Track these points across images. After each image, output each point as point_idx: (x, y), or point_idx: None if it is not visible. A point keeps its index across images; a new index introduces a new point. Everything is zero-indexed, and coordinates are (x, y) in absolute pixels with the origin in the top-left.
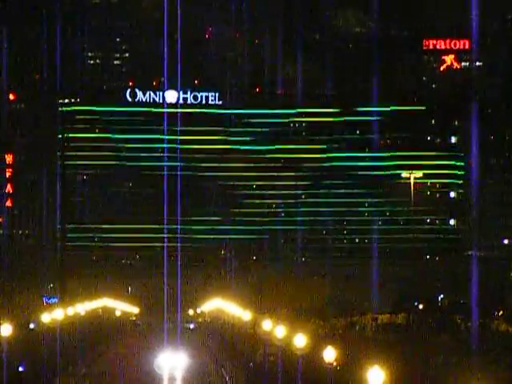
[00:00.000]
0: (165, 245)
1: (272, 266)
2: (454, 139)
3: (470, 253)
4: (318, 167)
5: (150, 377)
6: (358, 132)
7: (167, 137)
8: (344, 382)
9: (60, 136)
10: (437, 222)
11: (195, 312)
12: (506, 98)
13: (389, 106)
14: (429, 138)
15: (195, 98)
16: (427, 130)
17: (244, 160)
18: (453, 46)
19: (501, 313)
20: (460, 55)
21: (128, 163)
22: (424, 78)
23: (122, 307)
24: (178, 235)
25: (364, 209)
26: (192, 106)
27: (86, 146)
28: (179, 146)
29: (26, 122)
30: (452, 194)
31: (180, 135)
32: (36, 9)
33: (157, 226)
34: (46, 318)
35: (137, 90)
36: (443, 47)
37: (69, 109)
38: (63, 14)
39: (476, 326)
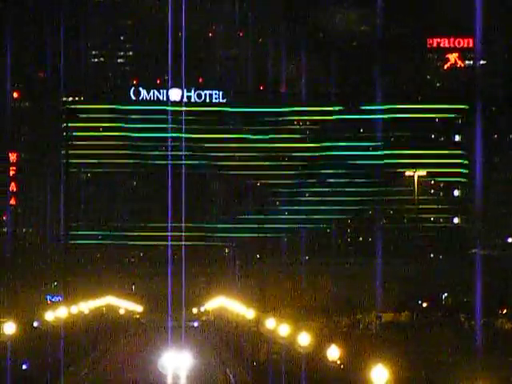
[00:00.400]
0: (169, 243)
1: (275, 265)
2: (457, 137)
3: (473, 251)
4: (321, 165)
5: (154, 375)
6: (361, 130)
7: (172, 135)
8: (348, 380)
9: (64, 134)
10: (441, 220)
11: (199, 310)
12: (510, 96)
13: (392, 105)
14: (433, 137)
15: (199, 96)
16: (431, 129)
17: (247, 158)
18: (457, 44)
19: (505, 311)
20: (464, 53)
21: (132, 161)
22: (428, 77)
23: (126, 305)
24: (183, 233)
25: (367, 207)
26: (196, 104)
27: (90, 144)
28: (184, 144)
29: (29, 120)
30: (456, 193)
31: (183, 133)
32: (39, 7)
33: (161, 225)
34: (50, 316)
35: (141, 89)
36: (447, 45)
37: (73, 107)
38: (67, 13)
39: (480, 325)
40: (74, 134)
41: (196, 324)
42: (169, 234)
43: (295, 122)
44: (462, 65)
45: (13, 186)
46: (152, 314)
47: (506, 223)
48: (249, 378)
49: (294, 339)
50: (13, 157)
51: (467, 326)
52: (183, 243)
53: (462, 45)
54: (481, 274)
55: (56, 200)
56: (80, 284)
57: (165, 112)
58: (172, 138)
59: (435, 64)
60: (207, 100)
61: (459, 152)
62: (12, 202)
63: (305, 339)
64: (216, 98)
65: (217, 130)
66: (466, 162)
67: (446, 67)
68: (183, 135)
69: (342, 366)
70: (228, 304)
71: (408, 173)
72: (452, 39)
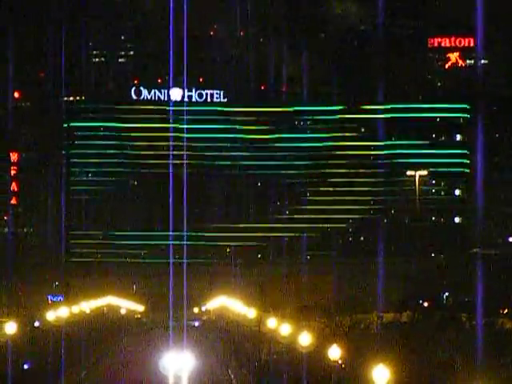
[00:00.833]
0: (170, 242)
1: (277, 264)
2: (459, 137)
3: (475, 251)
4: (322, 165)
5: (155, 376)
6: (362, 130)
7: (173, 134)
8: (349, 380)
9: (65, 134)
10: (442, 219)
11: (200, 310)
12: (511, 96)
13: (393, 104)
14: (434, 136)
15: (200, 95)
16: (432, 128)
17: (249, 158)
18: (458, 43)
19: (506, 311)
20: (465, 53)
21: (133, 161)
22: (429, 76)
23: (127, 305)
24: (185, 232)
25: (369, 207)
26: (197, 103)
27: (91, 144)
28: (185, 144)
29: (30, 120)
30: (457, 192)
31: (185, 133)
32: (41, 7)
33: (163, 227)
34: (51, 315)
35: (142, 88)
36: (448, 45)
37: (74, 107)
38: (68, 12)
39: (481, 324)
40: (75, 133)
41: (197, 323)
42: (170, 233)
43: (296, 122)
44: (463, 64)
45: (14, 186)
46: (153, 313)
47: (507, 222)
48: (250, 379)
49: (295, 339)
50: (14, 156)
51: (468, 326)
52: (184, 243)
53: (463, 44)
54: (482, 274)
55: (57, 200)
56: (81, 284)
57: (166, 112)
58: (173, 137)
59: (436, 63)
60: (208, 99)
61: (460, 151)
62: (13, 201)
63: (306, 339)
64: (217, 98)
65: (218, 130)
66: (467, 161)
67: (447, 66)
68: (184, 135)
69: (343, 366)
70: (229, 303)
71: (409, 172)
72: (453, 39)
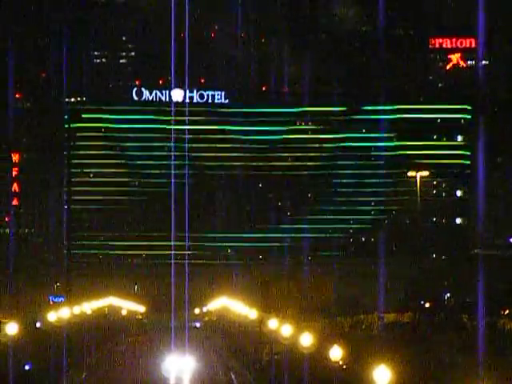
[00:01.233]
0: (172, 243)
1: (278, 265)
2: (460, 138)
3: (476, 251)
4: (323, 166)
5: (157, 378)
6: (363, 131)
7: (174, 135)
8: (350, 380)
9: (66, 135)
10: (443, 220)
11: (201, 311)
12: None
13: (394, 105)
14: (435, 137)
15: (201, 96)
16: (433, 129)
17: (250, 159)
18: (459, 44)
19: (507, 312)
20: (466, 54)
21: (134, 162)
22: (430, 77)
23: (128, 306)
24: (187, 233)
25: (370, 207)
26: (198, 104)
27: (93, 145)
28: (187, 145)
29: (32, 121)
30: (458, 193)
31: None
32: (42, 8)
33: (164, 226)
34: (53, 316)
35: (143, 89)
36: (449, 46)
37: (75, 108)
38: (69, 13)
39: (482, 325)
40: (77, 134)
41: (198, 324)
42: (172, 232)
43: (297, 123)
44: (465, 65)
45: (15, 187)
46: (154, 314)
47: (508, 223)
48: (252, 380)
49: (296, 339)
50: (15, 157)
51: (470, 327)
52: (186, 243)
53: (464, 45)
54: (483, 275)
55: (58, 201)
56: (82, 284)
57: (167, 113)
58: (174, 137)
59: (437, 64)
60: (209, 100)
61: (461, 152)
62: (14, 202)
63: (307, 339)
64: (218, 99)
65: (219, 131)
66: (468, 162)
67: (448, 67)
68: (186, 136)
69: (344, 366)
70: (230, 304)
71: (410, 173)
72: (454, 39)
